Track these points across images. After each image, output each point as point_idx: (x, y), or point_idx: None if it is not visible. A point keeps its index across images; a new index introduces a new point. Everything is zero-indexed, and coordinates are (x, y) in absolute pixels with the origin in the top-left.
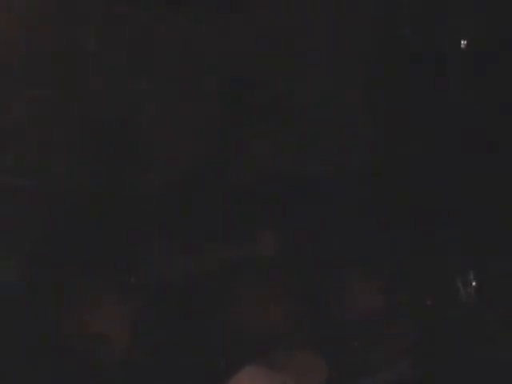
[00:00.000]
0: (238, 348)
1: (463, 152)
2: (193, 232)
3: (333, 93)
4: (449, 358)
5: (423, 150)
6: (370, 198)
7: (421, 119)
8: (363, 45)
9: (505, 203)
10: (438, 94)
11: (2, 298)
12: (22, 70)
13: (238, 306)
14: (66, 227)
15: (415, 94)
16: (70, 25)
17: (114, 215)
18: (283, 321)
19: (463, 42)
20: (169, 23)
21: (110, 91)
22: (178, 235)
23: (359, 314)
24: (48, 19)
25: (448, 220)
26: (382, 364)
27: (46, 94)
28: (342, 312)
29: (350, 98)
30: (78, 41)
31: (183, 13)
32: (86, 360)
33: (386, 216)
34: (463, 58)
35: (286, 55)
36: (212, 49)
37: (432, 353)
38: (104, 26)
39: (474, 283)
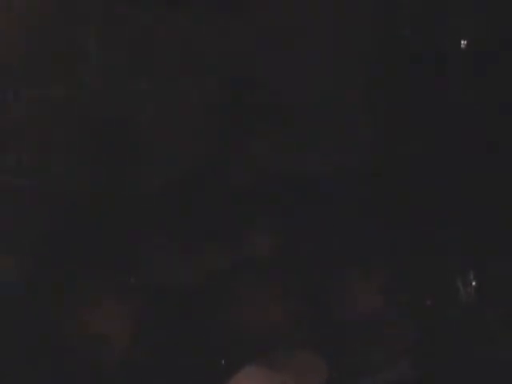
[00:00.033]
0: (237, 348)
1: (463, 152)
2: (192, 232)
3: (333, 93)
4: (449, 358)
5: (423, 150)
6: (370, 197)
7: (421, 119)
8: (363, 45)
9: (505, 203)
10: (438, 94)
11: (2, 298)
12: (21, 70)
13: (238, 306)
14: (66, 227)
15: (415, 94)
16: (69, 25)
17: (114, 215)
18: (283, 321)
19: (463, 42)
20: (169, 23)
21: (109, 91)
22: (178, 235)
23: (359, 314)
24: (48, 19)
25: (448, 220)
26: (382, 364)
27: (46, 94)
28: (342, 312)
29: (350, 98)
30: (78, 41)
31: (183, 13)
32: (86, 360)
33: (386, 216)
34: (463, 58)
35: (285, 55)
36: (212, 49)
37: (432, 353)
38: (104, 26)
39: (473, 283)
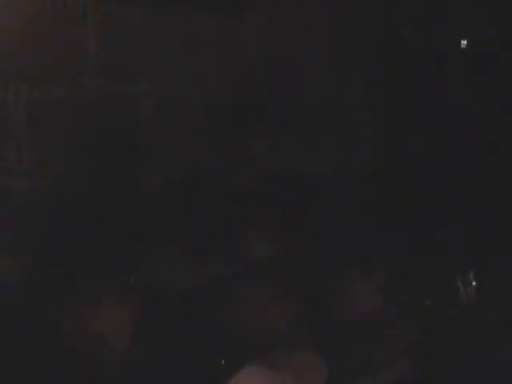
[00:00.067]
0: (237, 348)
1: (463, 152)
2: (192, 232)
3: (333, 93)
4: (449, 358)
5: (423, 150)
6: (370, 197)
7: (421, 119)
8: (363, 45)
9: (505, 203)
10: (438, 94)
11: (2, 298)
12: (21, 70)
13: (238, 306)
14: (66, 227)
15: (415, 94)
16: (69, 25)
17: (114, 215)
18: (283, 321)
19: (463, 42)
20: (168, 23)
21: (109, 91)
22: (178, 235)
23: (359, 314)
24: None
25: (448, 220)
26: (382, 364)
27: (46, 94)
28: (342, 312)
29: (350, 98)
30: (78, 41)
31: (183, 13)
32: (86, 360)
33: (386, 216)
34: (463, 58)
35: (285, 55)
36: (212, 49)
37: (432, 353)
38: (104, 25)
39: (474, 283)
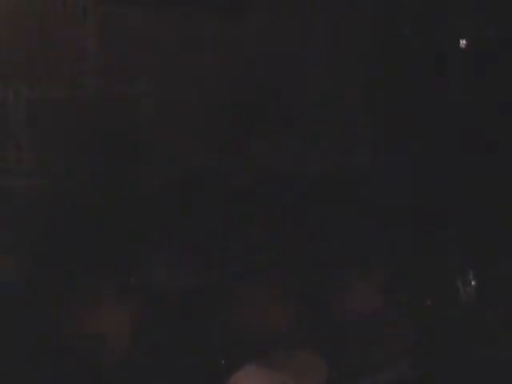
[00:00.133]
0: (237, 348)
1: (463, 152)
2: (192, 232)
3: (333, 93)
4: (449, 357)
5: (423, 150)
6: (370, 198)
7: (421, 119)
8: (363, 45)
9: (505, 203)
10: (438, 94)
11: (2, 298)
12: (21, 70)
13: (238, 306)
14: (66, 227)
15: (415, 94)
16: (69, 25)
17: (114, 215)
18: (283, 321)
19: (463, 42)
20: (169, 23)
21: (109, 91)
22: (178, 235)
23: (359, 314)
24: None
25: (448, 220)
26: (382, 364)
27: (46, 94)
28: (342, 312)
29: (350, 98)
30: (78, 41)
31: (183, 13)
32: (86, 360)
33: (386, 216)
34: (463, 58)
35: (285, 55)
36: (212, 49)
37: (432, 353)
38: (104, 25)
39: (473, 283)
